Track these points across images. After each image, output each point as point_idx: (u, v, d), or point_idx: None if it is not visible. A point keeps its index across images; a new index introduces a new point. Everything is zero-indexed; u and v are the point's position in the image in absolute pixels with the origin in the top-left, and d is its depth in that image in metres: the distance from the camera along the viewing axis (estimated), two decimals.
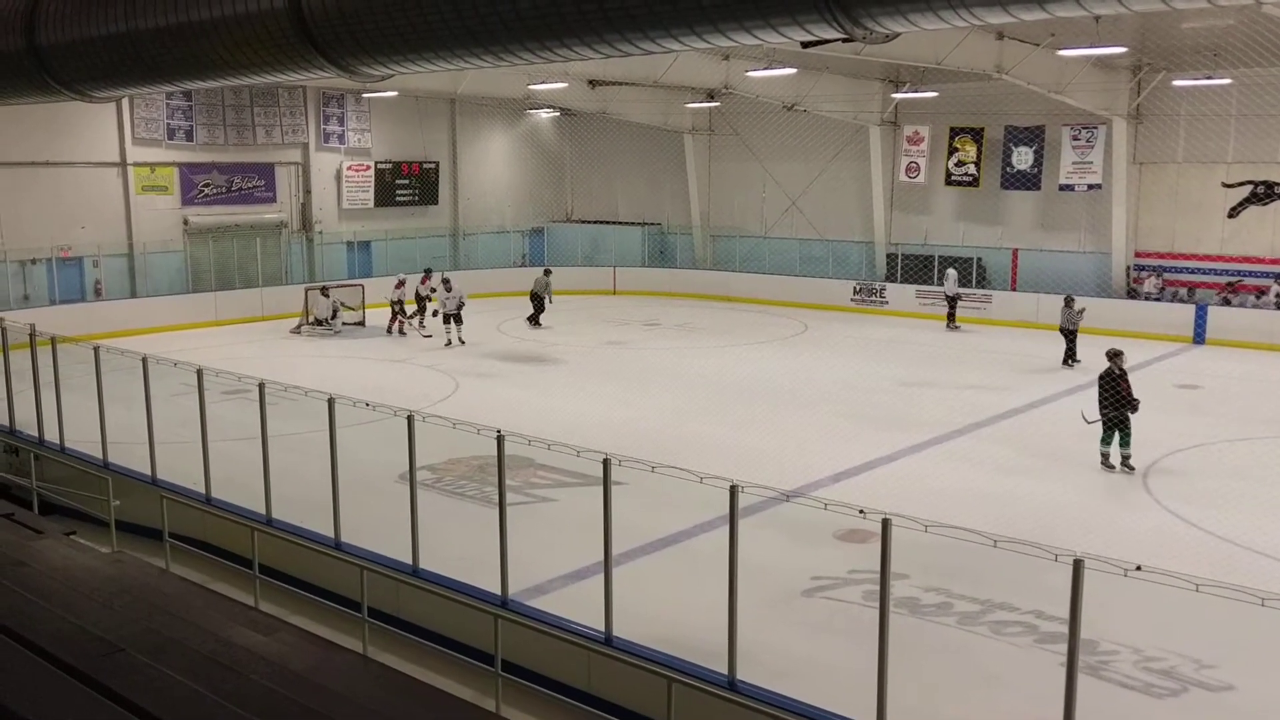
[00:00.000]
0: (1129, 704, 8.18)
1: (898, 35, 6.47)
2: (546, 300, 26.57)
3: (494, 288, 32.42)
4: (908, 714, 7.18)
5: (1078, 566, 5.74)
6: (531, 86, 29.16)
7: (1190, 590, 5.58)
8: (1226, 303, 25.52)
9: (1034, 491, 13.51)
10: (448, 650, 9.09)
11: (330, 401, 10.33)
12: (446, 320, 24.51)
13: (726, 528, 7.66)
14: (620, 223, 36.68)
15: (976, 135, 28.93)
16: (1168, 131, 26.49)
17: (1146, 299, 26.42)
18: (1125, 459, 14.50)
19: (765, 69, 24.39)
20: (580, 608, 9.05)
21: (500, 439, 9.03)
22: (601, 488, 8.26)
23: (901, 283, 29.88)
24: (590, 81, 31.30)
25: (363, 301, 27.54)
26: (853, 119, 29.85)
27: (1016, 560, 6.73)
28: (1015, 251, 29.34)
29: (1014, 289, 28.98)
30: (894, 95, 28.98)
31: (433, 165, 33.84)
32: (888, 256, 31.21)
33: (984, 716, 8.09)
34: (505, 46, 7.56)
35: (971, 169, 29.17)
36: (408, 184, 33.28)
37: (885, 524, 6.80)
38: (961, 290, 27.44)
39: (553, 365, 20.24)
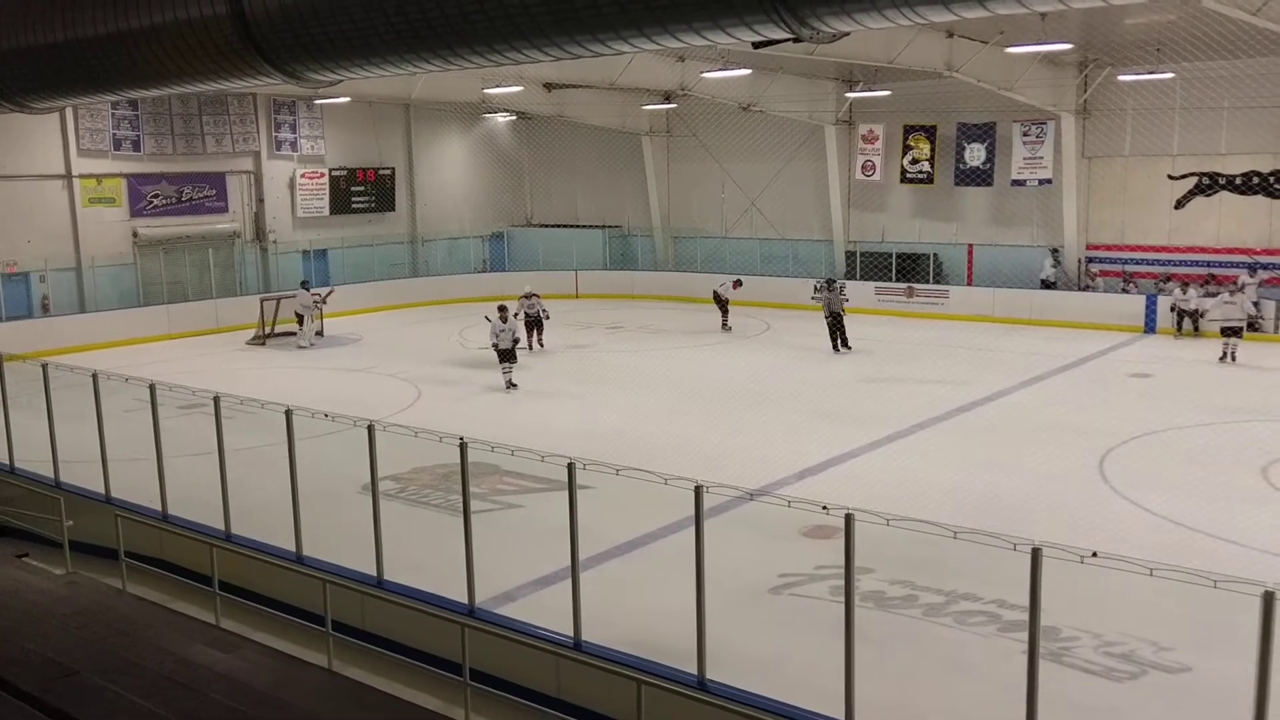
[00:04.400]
0: (1090, 688, 8.29)
1: (845, 35, 6.51)
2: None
3: (454, 294, 32.28)
4: (876, 707, 7.22)
5: (1036, 555, 5.81)
6: (487, 91, 29.08)
7: (1145, 575, 5.67)
8: (1209, 295, 25.78)
9: (994, 482, 13.65)
10: (415, 661, 9.02)
11: (288, 413, 10.22)
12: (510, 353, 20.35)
13: (693, 528, 7.66)
14: (581, 226, 36.66)
15: (930, 133, 29.22)
16: (1114, 126, 26.91)
17: (1125, 292, 26.79)
18: None
19: (720, 70, 24.48)
20: (549, 613, 9.02)
21: (463, 446, 8.98)
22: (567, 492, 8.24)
23: (861, 280, 30.10)
24: (546, 85, 31.28)
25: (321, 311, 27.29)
26: (808, 119, 30.05)
27: (978, 551, 6.79)
28: (970, 247, 29.67)
29: (970, 284, 29.32)
30: (848, 94, 29.20)
31: (389, 171, 33.61)
32: (847, 254, 31.44)
33: (950, 706, 8.16)
34: (453, 50, 7.52)
35: (926, 166, 29.45)
36: (363, 191, 33.03)
37: (848, 519, 6.85)
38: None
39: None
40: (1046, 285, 27.68)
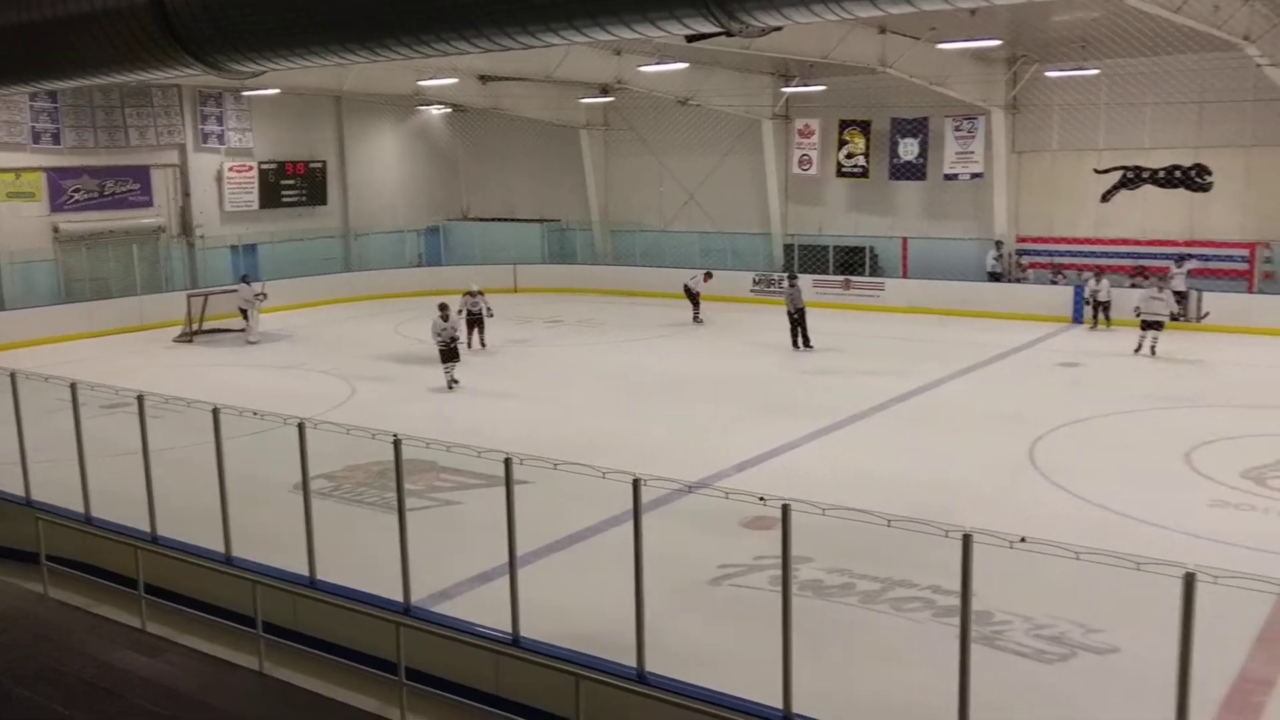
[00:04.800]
0: (1022, 671, 8.44)
1: (776, 29, 6.53)
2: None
3: (388, 289, 31.88)
4: (813, 695, 7.27)
5: (966, 541, 5.90)
6: (420, 83, 28.74)
7: (1072, 558, 5.77)
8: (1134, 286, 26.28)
9: (930, 471, 13.84)
10: (349, 662, 8.87)
11: (215, 412, 9.98)
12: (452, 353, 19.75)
13: (632, 522, 7.64)
14: (518, 220, 36.43)
15: (864, 128, 29.52)
16: (1043, 121, 27.43)
17: (1054, 284, 27.26)
18: None
19: (657, 64, 24.48)
20: (487, 610, 8.94)
21: (397, 443, 8.85)
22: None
23: (799, 272, 30.29)
24: (481, 77, 31.01)
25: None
26: (745, 113, 30.19)
27: (914, 538, 6.87)
28: (905, 240, 30.05)
29: (905, 276, 29.70)
30: (784, 89, 29.39)
31: (320, 165, 33.06)
32: (785, 247, 31.67)
33: (886, 691, 8.25)
34: (379, 41, 7.39)
35: (861, 160, 29.75)
36: (294, 184, 32.45)
37: (785, 510, 6.88)
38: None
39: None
40: (993, 277, 28.14)
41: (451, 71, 27.25)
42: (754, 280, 30.67)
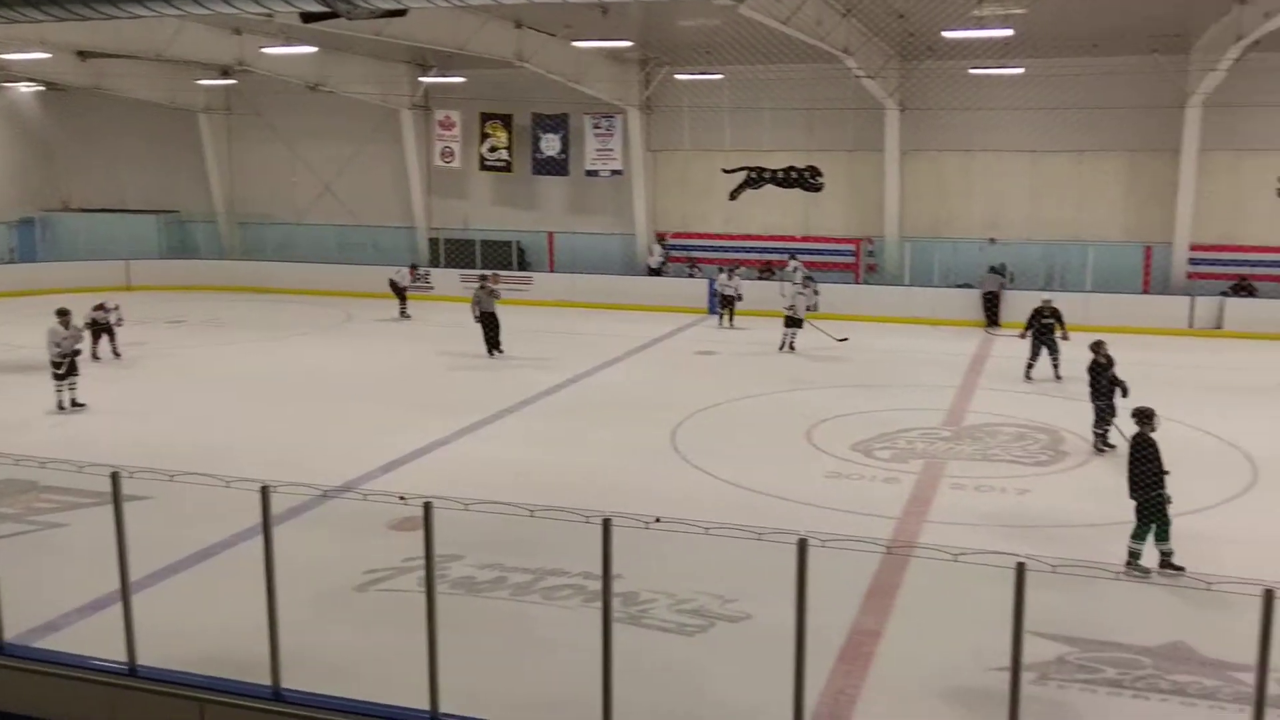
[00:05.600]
0: (666, 645, 8.77)
1: (394, 13, 6.30)
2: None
3: None
4: (464, 693, 7.13)
5: (606, 525, 6.00)
6: (4, 56, 25.37)
7: (702, 534, 6.03)
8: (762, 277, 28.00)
9: (578, 460, 14.13)
10: None
11: None
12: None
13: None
14: (130, 211, 33.21)
15: (506, 121, 29.69)
16: (675, 121, 28.92)
17: (691, 277, 28.62)
18: (1165, 560, 10.28)
19: (283, 46, 23.19)
20: (101, 640, 7.97)
21: None
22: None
23: (445, 267, 30.01)
24: (79, 52, 27.79)
25: None
26: (383, 102, 29.37)
27: (567, 528, 6.91)
28: (550, 235, 30.60)
29: (552, 270, 30.25)
30: (422, 79, 28.91)
31: None
32: (430, 241, 31.21)
33: (540, 680, 8.26)
34: None
35: (504, 154, 29.91)
36: None
37: (426, 507, 6.67)
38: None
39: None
40: (654, 272, 29.12)
41: (41, 45, 24.19)
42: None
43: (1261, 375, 19.53)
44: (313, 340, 23.69)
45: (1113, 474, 13.60)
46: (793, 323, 22.00)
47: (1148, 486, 10.11)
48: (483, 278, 22.53)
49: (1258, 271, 24.99)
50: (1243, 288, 24.87)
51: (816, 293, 22.02)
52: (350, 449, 14.51)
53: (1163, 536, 10.18)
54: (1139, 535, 10.24)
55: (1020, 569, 5.55)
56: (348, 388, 18.66)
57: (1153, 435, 10.30)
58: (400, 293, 26.71)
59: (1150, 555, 10.24)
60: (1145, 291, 25.74)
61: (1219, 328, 23.97)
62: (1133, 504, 10.28)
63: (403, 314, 26.53)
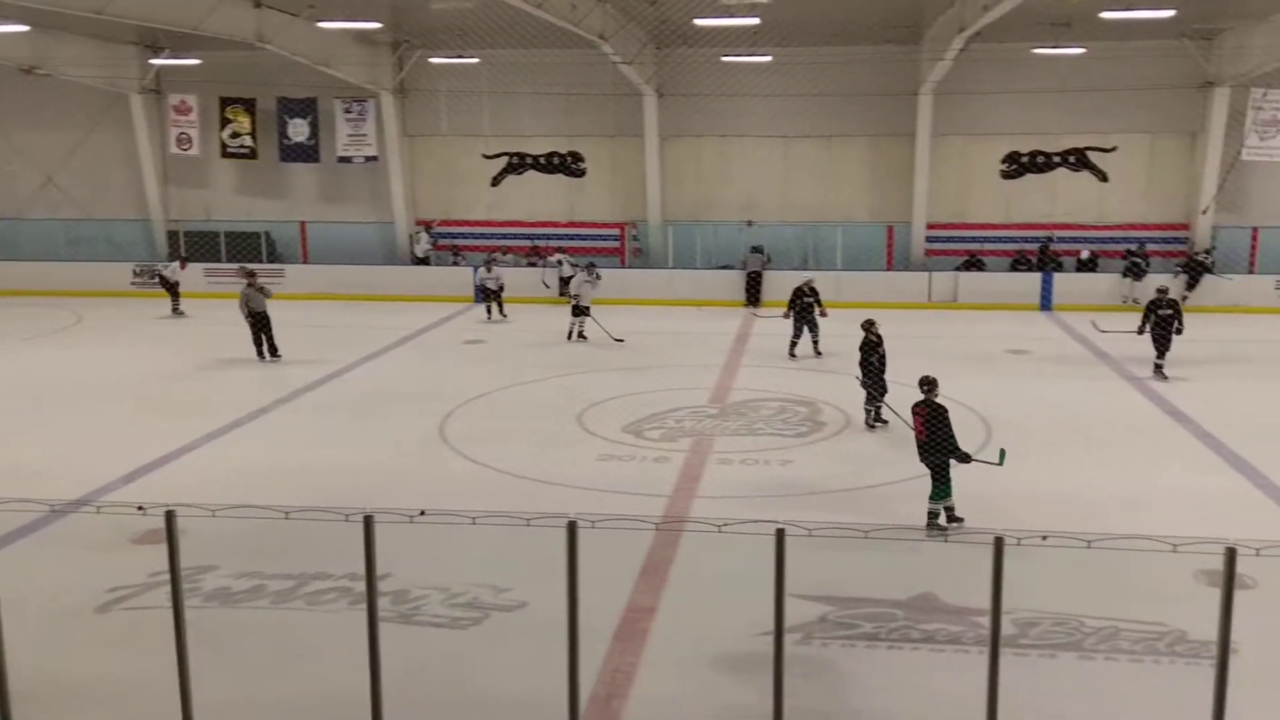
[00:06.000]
0: (440, 640, 8.53)
1: None
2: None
3: None
4: (216, 707, 6.71)
5: (368, 522, 5.72)
6: None
7: (469, 523, 5.86)
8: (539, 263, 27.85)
9: (343, 458, 13.56)
10: None
11: None
12: None
13: None
14: None
15: (249, 106, 28.16)
16: (431, 106, 28.31)
17: (456, 265, 28.06)
18: (949, 514, 10.85)
19: None
20: None
21: None
22: None
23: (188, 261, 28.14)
24: None
25: None
26: (110, 86, 27.18)
27: (330, 529, 6.59)
28: (303, 224, 29.31)
29: (306, 262, 29.02)
30: (153, 61, 26.97)
31: None
32: (169, 234, 29.23)
33: (302, 688, 7.85)
34: None
35: (248, 141, 28.36)
36: None
37: (168, 516, 6.17)
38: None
39: None
40: (421, 261, 28.28)
41: None
42: (135, 272, 27.97)
43: (990, 343, 21.19)
44: (38, 345, 21.68)
45: (868, 441, 14.44)
46: (580, 311, 21.67)
47: (945, 450, 10.64)
48: (250, 274, 20.62)
49: (986, 247, 27.14)
50: (973, 263, 26.97)
51: (599, 278, 21.99)
52: (88, 460, 13.34)
53: (948, 494, 10.77)
54: (939, 496, 10.75)
55: (780, 534, 5.71)
56: (79, 394, 17.17)
57: (938, 401, 10.87)
58: (171, 288, 25.04)
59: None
60: (889, 269, 27.44)
61: (954, 300, 25.86)
62: (925, 467, 10.78)
63: (175, 310, 24.91)
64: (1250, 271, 26.05)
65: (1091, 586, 9.05)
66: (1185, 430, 14.82)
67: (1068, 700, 7.56)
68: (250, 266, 22.62)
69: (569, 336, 21.74)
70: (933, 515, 10.80)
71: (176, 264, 25.52)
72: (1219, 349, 19.96)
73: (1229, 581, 5.40)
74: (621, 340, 21.25)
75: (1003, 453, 11.00)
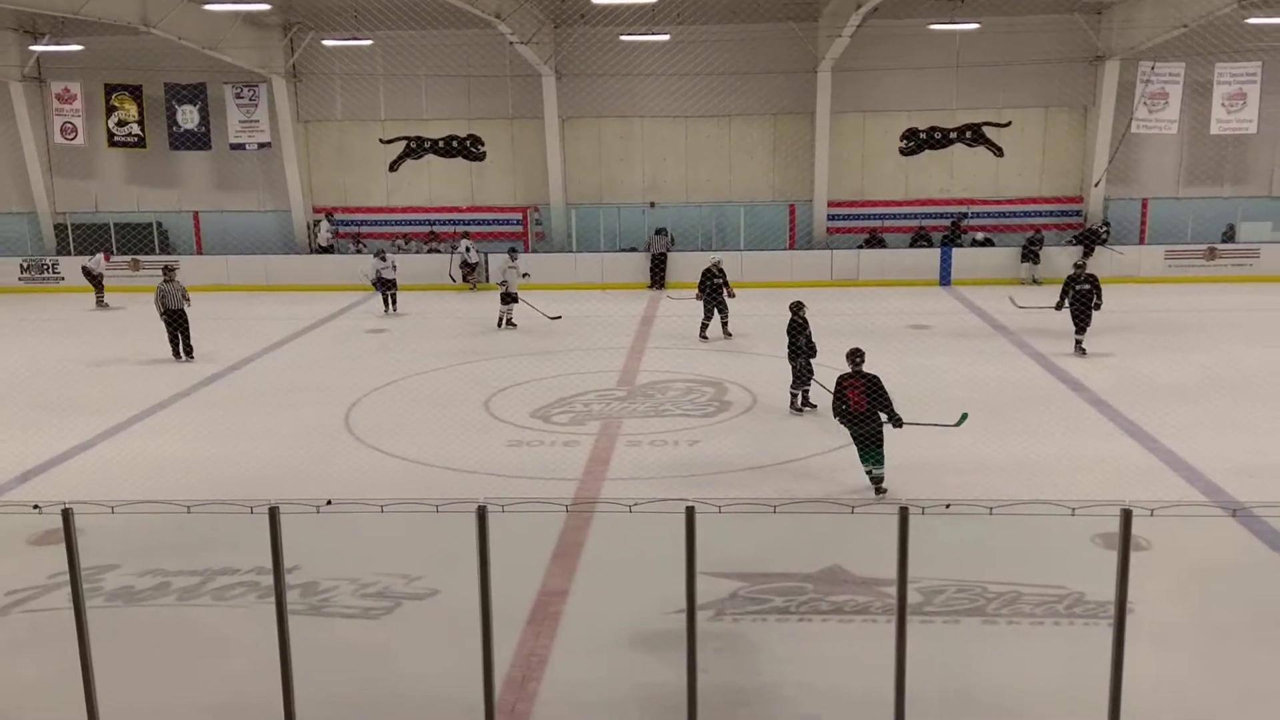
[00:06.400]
0: (351, 631, 8.45)
1: None
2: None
3: None
4: (122, 707, 6.56)
5: (273, 514, 5.64)
6: None
7: (377, 512, 5.82)
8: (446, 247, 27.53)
9: (246, 452, 13.27)
10: None
11: None
12: None
13: None
14: None
15: (136, 93, 27.23)
16: (326, 90, 27.73)
17: (358, 253, 27.54)
18: (877, 482, 11.23)
19: None
20: None
21: None
22: None
23: (76, 255, 27.17)
24: None
25: None
26: None
27: (236, 524, 6.48)
28: (196, 214, 28.49)
29: (200, 252, 28.26)
30: (33, 47, 25.87)
31: None
32: (56, 228, 28.14)
33: (211, 684, 7.71)
34: None
35: (136, 129, 27.43)
36: None
37: (65, 514, 6.00)
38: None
39: None
40: (324, 250, 27.69)
41: None
42: (22, 267, 26.90)
43: (893, 319, 21.67)
44: None
45: (774, 419, 14.66)
46: (509, 299, 21.30)
47: (887, 416, 10.96)
48: (167, 269, 19.42)
49: (886, 224, 27.70)
50: (874, 240, 27.50)
51: (516, 266, 21.73)
52: None
53: (881, 460, 11.12)
54: (876, 461, 11.05)
55: (690, 512, 5.79)
56: None
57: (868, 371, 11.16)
58: (95, 281, 24.34)
59: (861, 477, 11.19)
60: (792, 248, 27.82)
61: (857, 277, 26.36)
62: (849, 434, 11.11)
63: (100, 303, 24.20)
64: (1141, 242, 27.06)
65: (994, 554, 9.37)
66: (1082, 399, 15.36)
67: (973, 663, 7.83)
68: (170, 261, 21.91)
69: (499, 325, 21.43)
70: (878, 480, 11.13)
71: (100, 256, 24.80)
72: (1114, 319, 20.71)
73: (1125, 543, 5.59)
74: (558, 317, 21.11)
75: (964, 416, 11.41)
